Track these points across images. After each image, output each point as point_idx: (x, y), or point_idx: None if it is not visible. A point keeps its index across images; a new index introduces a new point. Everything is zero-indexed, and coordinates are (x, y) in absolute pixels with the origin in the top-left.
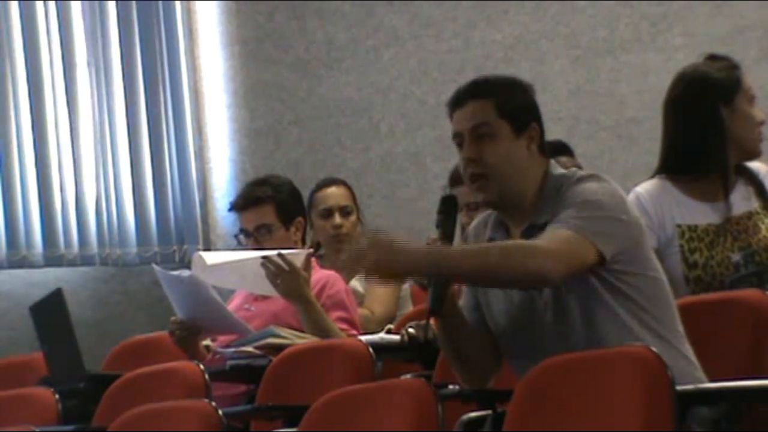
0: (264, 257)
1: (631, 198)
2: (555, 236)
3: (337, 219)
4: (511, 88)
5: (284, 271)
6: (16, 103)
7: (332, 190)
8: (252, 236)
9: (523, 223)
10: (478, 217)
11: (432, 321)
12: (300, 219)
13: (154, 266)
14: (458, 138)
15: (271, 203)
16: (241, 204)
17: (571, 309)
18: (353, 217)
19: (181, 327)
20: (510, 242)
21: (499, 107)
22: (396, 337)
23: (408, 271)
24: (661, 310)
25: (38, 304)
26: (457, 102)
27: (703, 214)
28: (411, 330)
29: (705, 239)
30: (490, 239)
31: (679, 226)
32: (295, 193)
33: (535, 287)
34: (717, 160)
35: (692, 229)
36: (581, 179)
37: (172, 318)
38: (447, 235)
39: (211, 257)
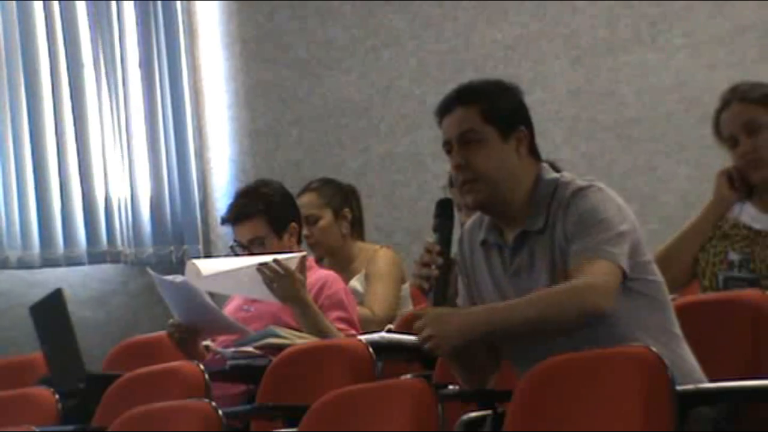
0: (260, 263)
1: None
2: (595, 269)
3: (305, 229)
4: (496, 93)
5: (280, 275)
6: (13, 104)
7: (301, 200)
8: (246, 248)
9: (515, 227)
10: (473, 218)
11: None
12: (294, 224)
13: (149, 270)
14: (447, 146)
15: (263, 216)
16: (233, 218)
17: None
18: (322, 223)
19: (179, 329)
20: (560, 287)
21: (485, 113)
22: (396, 337)
23: (464, 339)
24: (658, 312)
25: (38, 304)
26: (444, 109)
27: (751, 217)
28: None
29: (724, 228)
30: (484, 241)
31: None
32: (287, 198)
33: (590, 323)
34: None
35: (728, 220)
36: (582, 190)
37: (170, 321)
38: (444, 239)
39: (204, 266)
